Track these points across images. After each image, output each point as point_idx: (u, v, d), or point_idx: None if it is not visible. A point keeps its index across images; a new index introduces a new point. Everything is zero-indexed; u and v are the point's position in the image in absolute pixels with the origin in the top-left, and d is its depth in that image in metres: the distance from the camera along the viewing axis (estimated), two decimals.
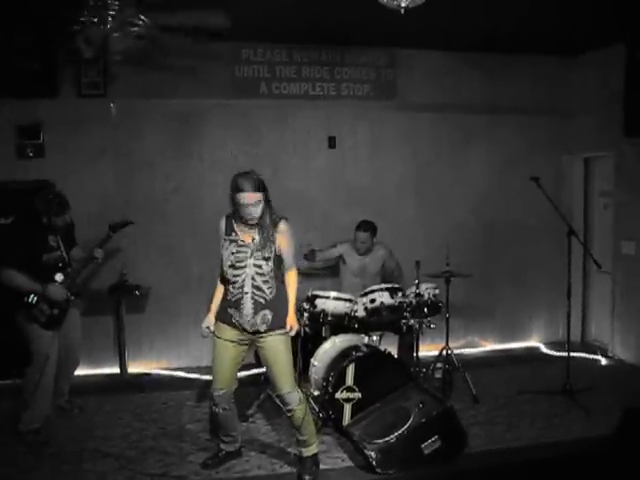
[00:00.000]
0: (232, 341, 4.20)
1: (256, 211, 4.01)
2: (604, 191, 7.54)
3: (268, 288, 4.09)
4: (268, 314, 4.08)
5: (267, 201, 4.07)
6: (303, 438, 4.31)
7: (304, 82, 7.08)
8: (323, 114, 7.12)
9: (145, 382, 6.43)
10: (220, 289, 4.28)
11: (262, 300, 4.07)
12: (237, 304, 4.10)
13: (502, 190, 7.55)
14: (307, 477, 4.25)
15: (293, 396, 4.19)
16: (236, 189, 3.97)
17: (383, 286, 5.59)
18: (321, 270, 6.80)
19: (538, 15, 5.79)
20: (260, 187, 4.00)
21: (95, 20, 4.49)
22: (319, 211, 7.05)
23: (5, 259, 4.73)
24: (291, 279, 4.27)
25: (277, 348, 4.16)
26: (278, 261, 4.14)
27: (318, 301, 5.42)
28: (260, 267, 4.06)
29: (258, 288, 4.07)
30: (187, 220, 6.80)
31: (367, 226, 6.10)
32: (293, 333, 4.23)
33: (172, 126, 6.77)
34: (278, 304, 4.14)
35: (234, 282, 4.10)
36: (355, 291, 5.74)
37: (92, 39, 4.68)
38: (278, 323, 4.14)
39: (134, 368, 6.65)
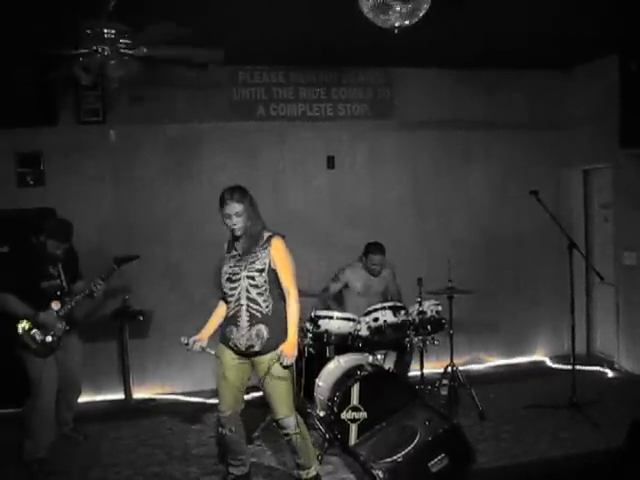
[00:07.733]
0: (233, 364, 4.18)
1: (239, 221, 4.04)
2: (604, 203, 7.54)
3: (264, 301, 4.06)
4: (264, 329, 4.03)
5: (251, 213, 4.08)
6: (301, 461, 4.30)
7: (301, 103, 7.13)
8: (321, 135, 7.15)
9: (150, 407, 6.42)
10: (218, 312, 4.30)
11: (258, 314, 4.05)
12: (234, 319, 4.10)
13: (502, 205, 7.57)
14: None
15: (290, 421, 4.16)
16: (219, 201, 4.07)
17: (386, 305, 5.57)
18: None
19: (532, 30, 5.84)
20: (241, 198, 4.04)
21: (93, 48, 4.53)
22: (319, 231, 7.05)
23: (2, 283, 4.74)
24: (289, 306, 4.13)
25: (276, 376, 4.07)
26: (274, 276, 4.10)
27: (321, 321, 5.40)
28: (253, 279, 4.06)
29: (253, 301, 4.06)
30: (188, 244, 6.80)
31: (380, 248, 6.07)
32: (286, 362, 4.03)
33: (171, 151, 6.81)
34: (275, 322, 4.08)
35: (231, 295, 4.12)
36: (360, 311, 5.68)
37: (90, 67, 4.72)
38: (275, 343, 4.07)
39: (139, 393, 6.62)
